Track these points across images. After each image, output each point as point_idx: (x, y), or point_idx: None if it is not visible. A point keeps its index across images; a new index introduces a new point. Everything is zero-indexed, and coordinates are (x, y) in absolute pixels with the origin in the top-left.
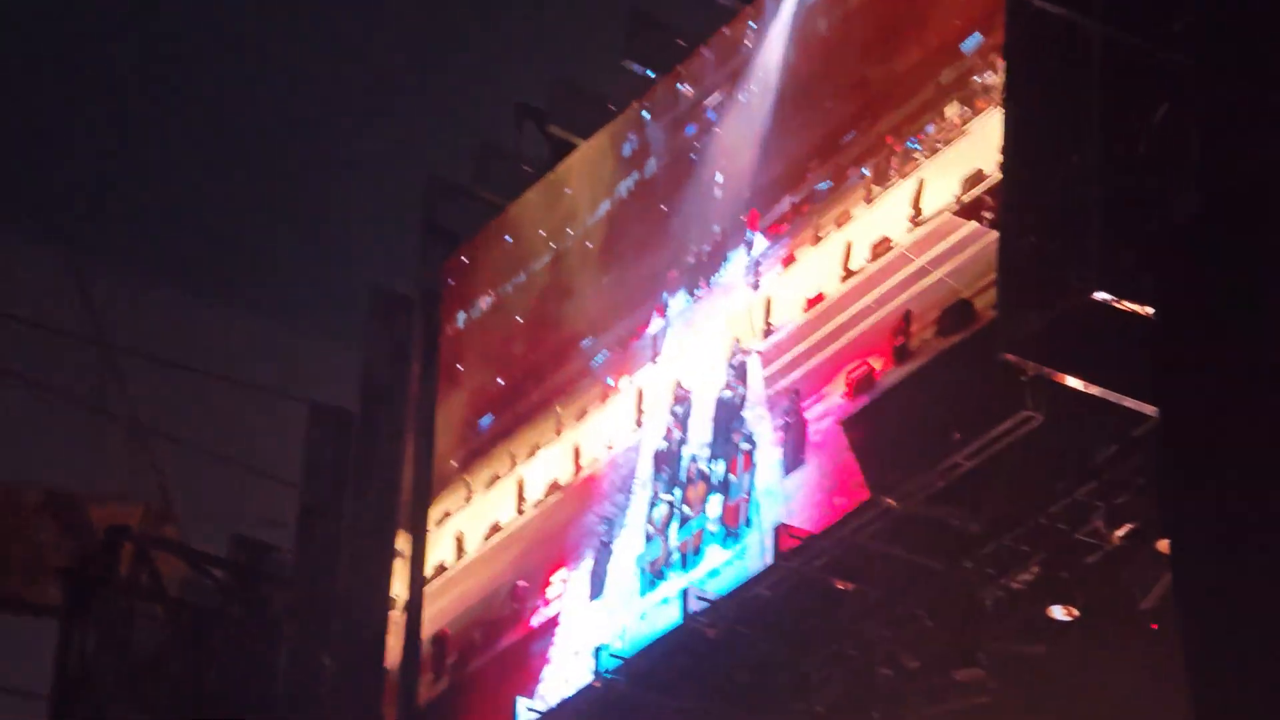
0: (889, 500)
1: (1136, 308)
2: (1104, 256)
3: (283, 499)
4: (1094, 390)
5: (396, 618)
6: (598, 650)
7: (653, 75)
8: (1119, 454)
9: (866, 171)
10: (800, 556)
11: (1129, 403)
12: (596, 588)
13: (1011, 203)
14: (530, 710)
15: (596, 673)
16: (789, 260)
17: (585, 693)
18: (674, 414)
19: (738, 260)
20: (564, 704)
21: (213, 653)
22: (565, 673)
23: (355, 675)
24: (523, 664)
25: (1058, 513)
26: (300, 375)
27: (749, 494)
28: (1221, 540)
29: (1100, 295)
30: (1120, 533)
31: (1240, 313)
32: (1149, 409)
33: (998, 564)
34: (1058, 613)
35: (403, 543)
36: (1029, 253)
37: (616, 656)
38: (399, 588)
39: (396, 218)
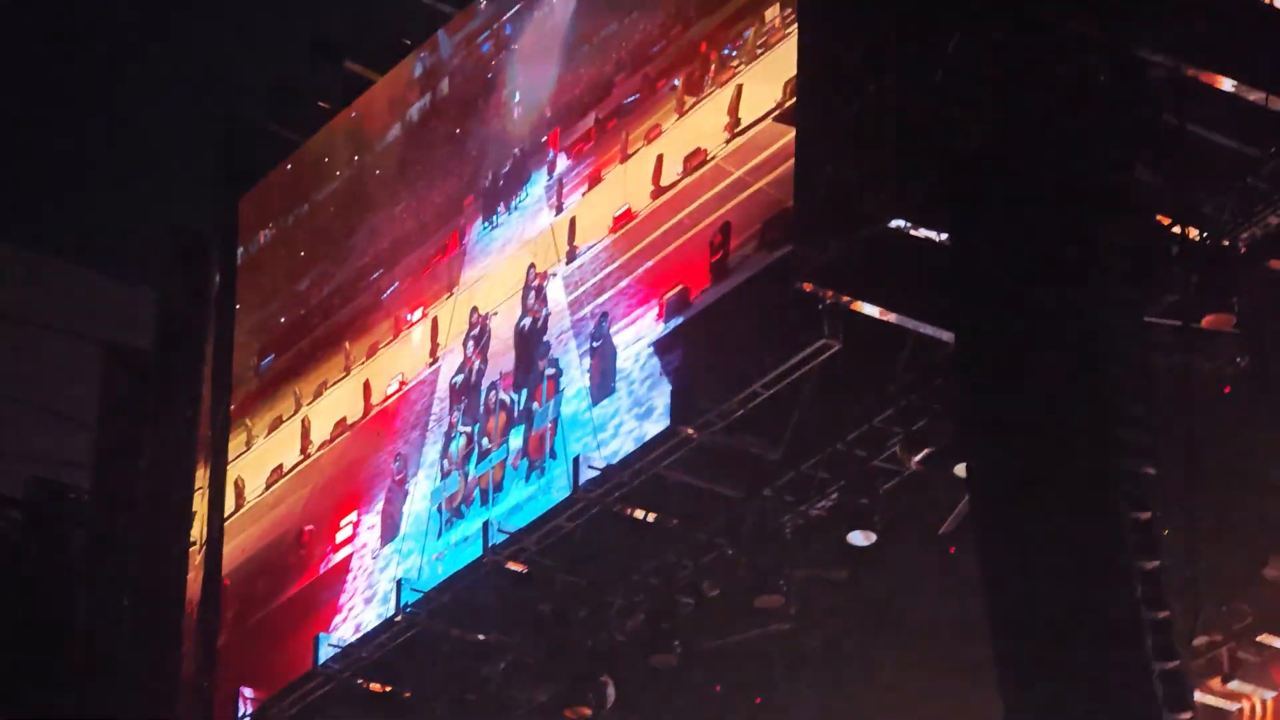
0: (688, 430)
1: (932, 235)
2: (900, 184)
3: (80, 441)
4: (891, 317)
5: (195, 558)
6: (398, 584)
7: (449, 11)
8: (916, 380)
9: (678, 82)
10: (600, 487)
11: (926, 329)
12: (390, 530)
13: (807, 132)
14: (331, 646)
15: (398, 607)
16: (594, 179)
17: (387, 627)
18: (472, 342)
19: (539, 182)
20: (366, 639)
21: (10, 595)
22: (362, 613)
23: (155, 615)
24: (312, 611)
25: (856, 439)
26: (97, 317)
27: (554, 423)
28: (1016, 463)
29: (896, 222)
30: (918, 458)
31: (1033, 237)
32: (945, 335)
33: (797, 491)
34: (857, 538)
35: (201, 483)
36: (826, 181)
37: (418, 590)
38: (198, 528)
39: (195, 158)
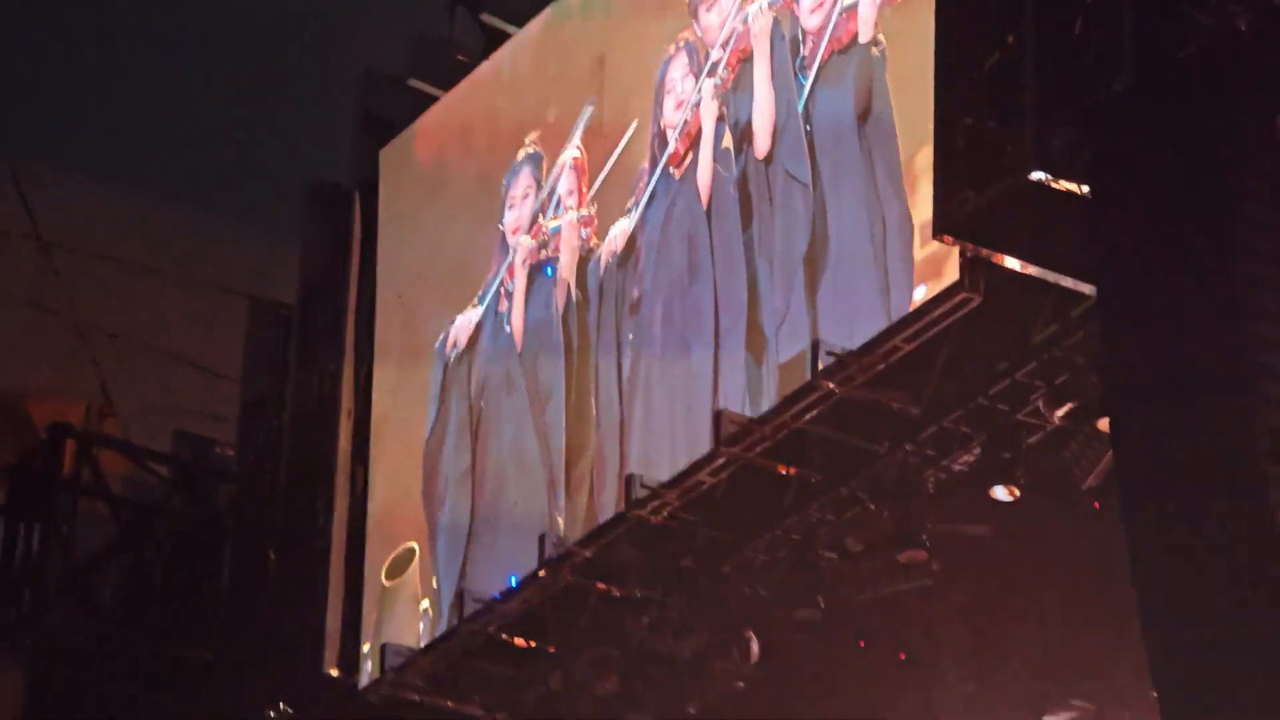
0: (829, 384)
1: (1073, 186)
2: (1040, 136)
3: (224, 394)
4: (1032, 270)
5: (340, 511)
6: (541, 538)
7: None
8: (1058, 333)
9: None
10: (741, 442)
11: (1067, 282)
12: None
13: (947, 85)
14: (475, 601)
15: (541, 562)
16: None
17: (531, 582)
18: None
19: None
20: (509, 593)
21: (156, 549)
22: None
23: (299, 568)
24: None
25: (998, 394)
26: (240, 270)
27: None
28: (1162, 415)
29: (1037, 175)
30: (1060, 412)
31: (1175, 189)
32: (1087, 287)
33: (939, 446)
34: (999, 493)
35: (345, 435)
36: (965, 132)
37: (561, 545)
38: (341, 481)
39: (333, 111)
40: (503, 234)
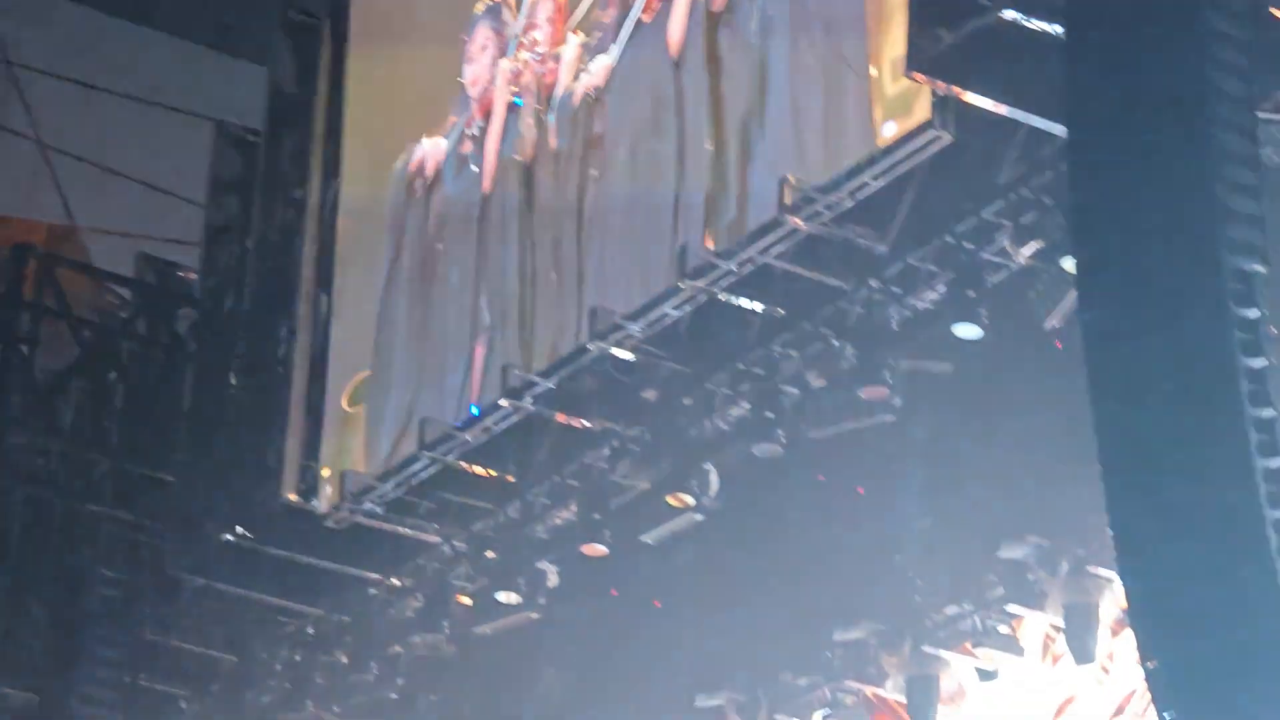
0: (796, 220)
1: (1046, 26)
2: None
3: (189, 219)
4: (1002, 109)
5: (303, 337)
6: (504, 369)
7: None
8: (1026, 173)
9: None
10: (706, 276)
11: (1037, 121)
12: None
13: None
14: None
15: (503, 392)
16: None
17: (492, 411)
18: None
19: None
20: (470, 421)
21: (118, 370)
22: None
23: (260, 393)
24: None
25: (965, 232)
26: (206, 94)
27: None
28: (1126, 257)
29: (1010, 13)
30: (1026, 251)
31: (1148, 31)
32: (1057, 128)
33: (904, 283)
34: (963, 331)
35: (309, 262)
36: None
37: (523, 376)
38: (304, 308)
39: None
40: (462, 86)
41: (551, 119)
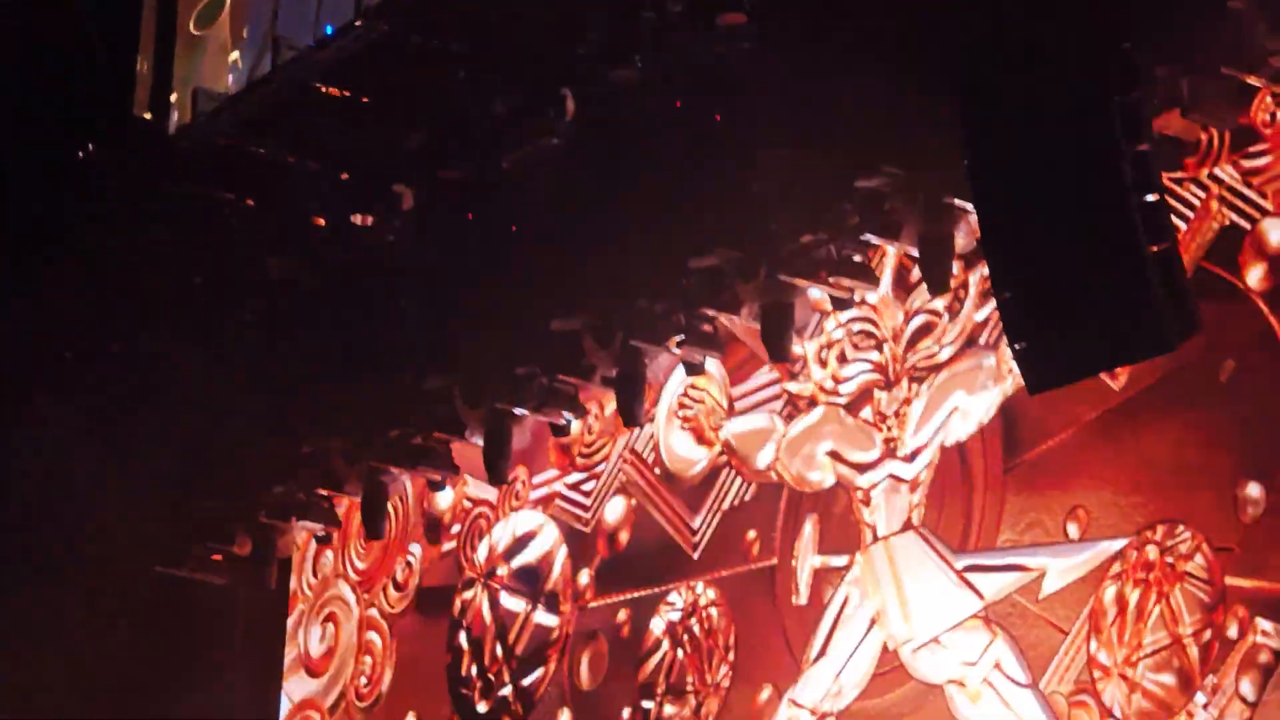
0: None
1: None
2: None
3: None
4: None
5: None
6: None
7: None
8: None
9: None
10: None
11: None
12: None
13: None
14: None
15: (358, 11)
16: None
17: (347, 31)
18: None
19: None
20: (324, 41)
21: None
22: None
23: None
24: None
25: None
26: None
27: None
28: None
29: None
30: None
31: None
32: None
33: None
34: None
35: None
36: None
37: None
38: None
39: None
40: None
41: None
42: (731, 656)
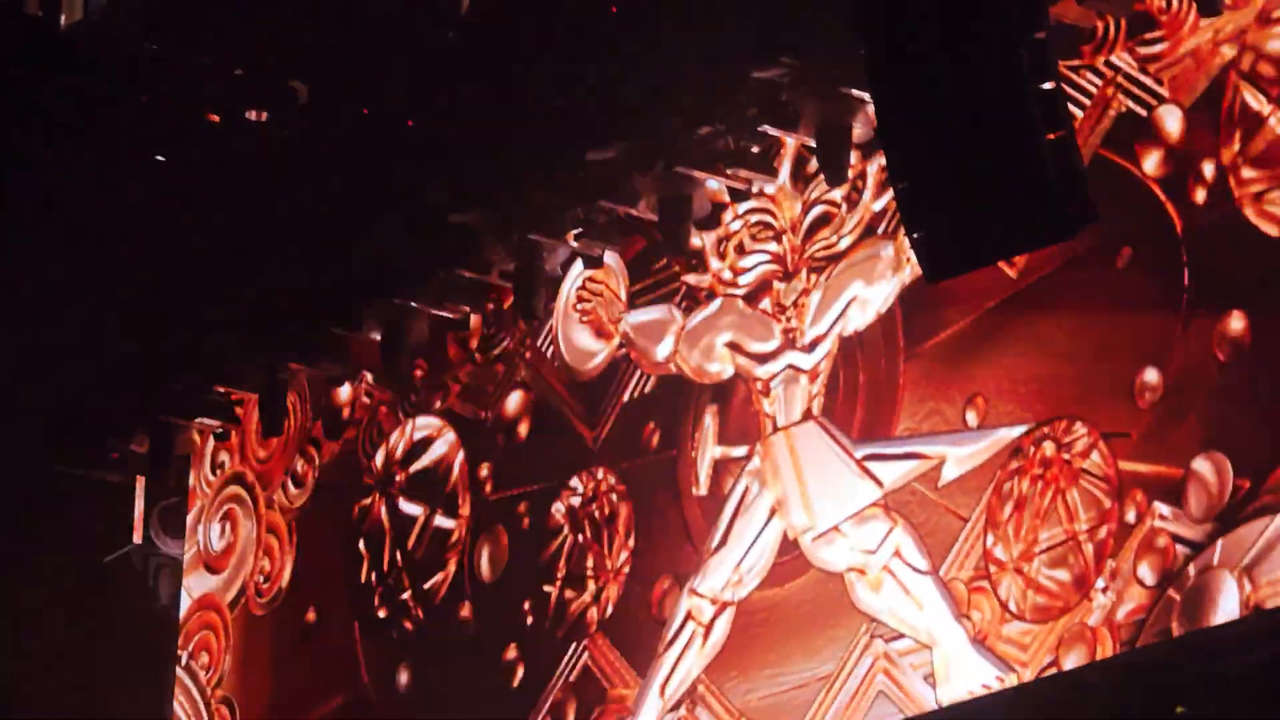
0: None
1: None
2: None
3: None
4: None
5: None
6: None
7: None
8: None
9: None
10: None
11: None
12: None
13: None
14: None
15: None
16: None
17: None
18: None
19: None
20: None
21: None
22: None
23: None
24: None
25: None
26: None
27: None
28: None
29: None
30: None
31: None
32: None
33: None
34: None
35: None
36: None
37: None
38: None
39: None
40: None
41: None
42: (632, 543)
